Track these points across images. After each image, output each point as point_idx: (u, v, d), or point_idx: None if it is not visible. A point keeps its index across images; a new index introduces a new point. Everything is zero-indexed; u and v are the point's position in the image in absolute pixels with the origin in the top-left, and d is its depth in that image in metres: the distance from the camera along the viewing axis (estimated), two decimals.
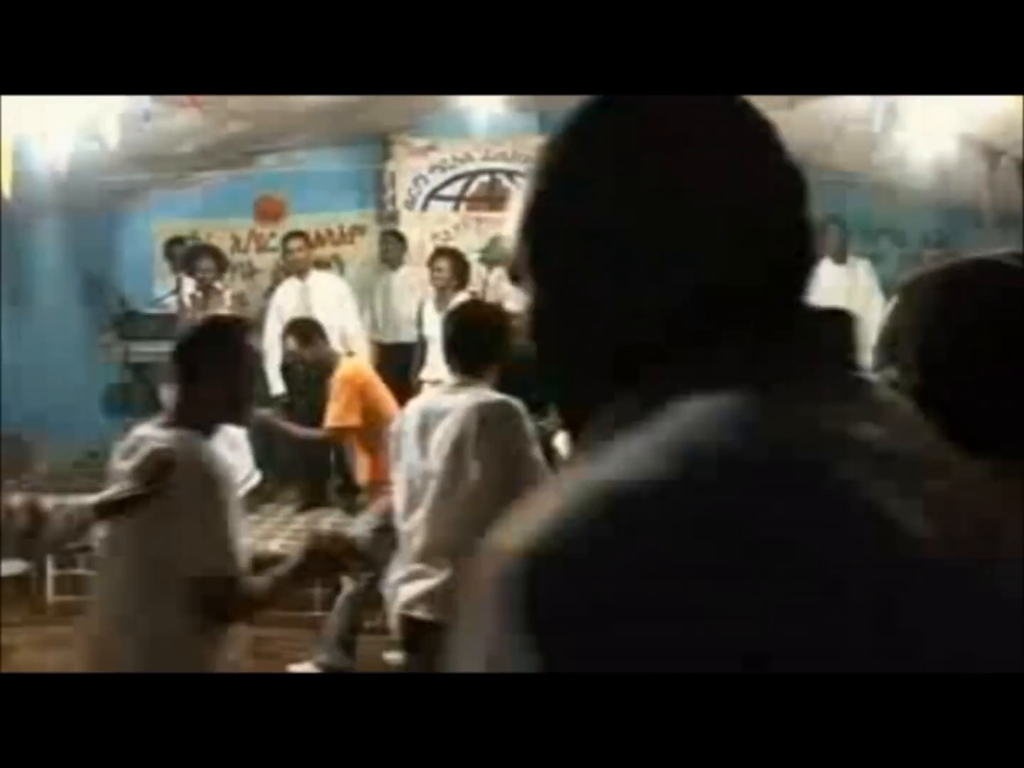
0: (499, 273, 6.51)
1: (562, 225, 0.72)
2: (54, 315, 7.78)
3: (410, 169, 7.95)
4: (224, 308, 6.58)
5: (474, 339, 3.05)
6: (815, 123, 5.39)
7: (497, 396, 2.98)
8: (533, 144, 8.85)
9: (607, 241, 0.69)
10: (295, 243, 6.91)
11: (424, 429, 2.96)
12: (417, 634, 2.89)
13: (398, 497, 3.07)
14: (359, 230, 8.17)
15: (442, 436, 2.91)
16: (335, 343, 6.55)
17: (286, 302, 6.76)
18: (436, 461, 2.91)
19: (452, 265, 6.49)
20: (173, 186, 7.91)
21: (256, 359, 2.63)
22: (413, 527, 2.97)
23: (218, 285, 6.91)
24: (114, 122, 4.51)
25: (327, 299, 6.74)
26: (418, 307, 6.85)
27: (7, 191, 4.52)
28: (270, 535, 5.94)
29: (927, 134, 5.13)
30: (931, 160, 5.37)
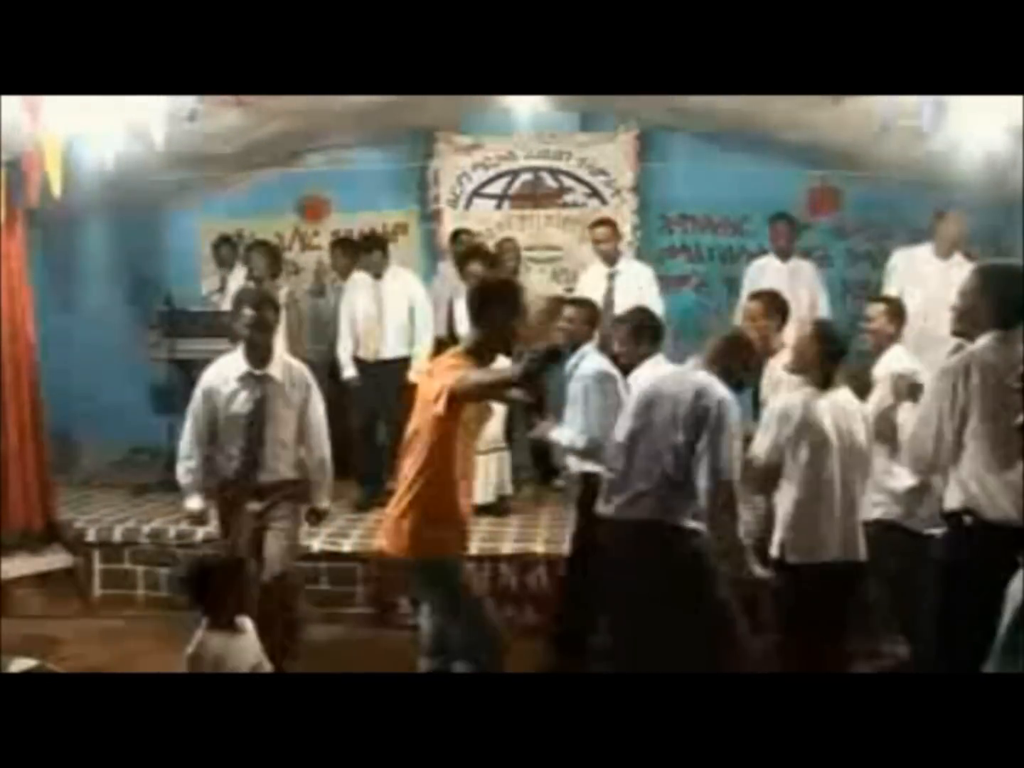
0: None
1: None
2: (101, 313, 7.88)
3: (454, 167, 7.96)
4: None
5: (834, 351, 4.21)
6: (862, 118, 5.30)
7: None
8: (576, 142, 8.77)
9: None
10: (378, 255, 6.83)
11: None
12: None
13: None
14: (402, 228, 8.19)
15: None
16: (404, 341, 6.63)
17: (357, 298, 6.78)
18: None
19: (485, 265, 6.55)
20: (219, 185, 7.98)
21: None
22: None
23: (277, 282, 7.01)
24: (161, 122, 4.54)
25: (399, 298, 6.74)
26: (448, 305, 6.92)
27: (57, 191, 4.58)
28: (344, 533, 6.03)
29: (978, 128, 5.02)
30: (982, 155, 5.26)
